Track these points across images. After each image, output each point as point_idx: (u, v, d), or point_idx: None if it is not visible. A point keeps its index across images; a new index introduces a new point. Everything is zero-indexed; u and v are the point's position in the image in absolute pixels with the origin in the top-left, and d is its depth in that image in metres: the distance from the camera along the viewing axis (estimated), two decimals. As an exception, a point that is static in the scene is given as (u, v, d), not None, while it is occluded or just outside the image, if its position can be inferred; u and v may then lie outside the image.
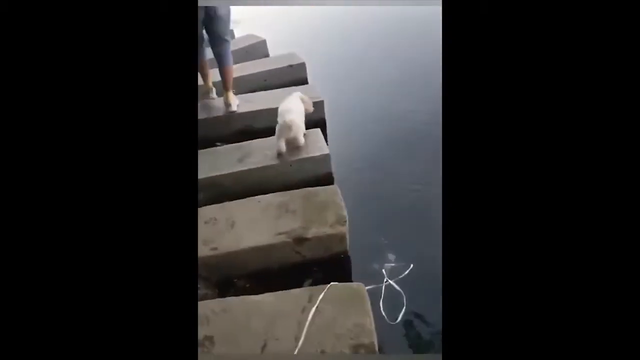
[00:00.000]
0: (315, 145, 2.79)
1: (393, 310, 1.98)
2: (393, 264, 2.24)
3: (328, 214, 2.18)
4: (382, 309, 1.98)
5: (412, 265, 2.19)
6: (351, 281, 2.24)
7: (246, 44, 4.78)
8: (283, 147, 2.76)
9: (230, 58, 3.32)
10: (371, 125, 3.62)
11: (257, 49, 4.78)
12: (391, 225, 2.54)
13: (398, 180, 2.89)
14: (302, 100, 3.00)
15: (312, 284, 2.12)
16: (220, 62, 3.30)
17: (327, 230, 2.12)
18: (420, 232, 2.47)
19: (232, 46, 4.25)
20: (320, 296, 1.76)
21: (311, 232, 2.10)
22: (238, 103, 3.43)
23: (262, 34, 5.00)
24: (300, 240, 2.09)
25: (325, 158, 2.73)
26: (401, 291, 2.07)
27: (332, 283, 1.85)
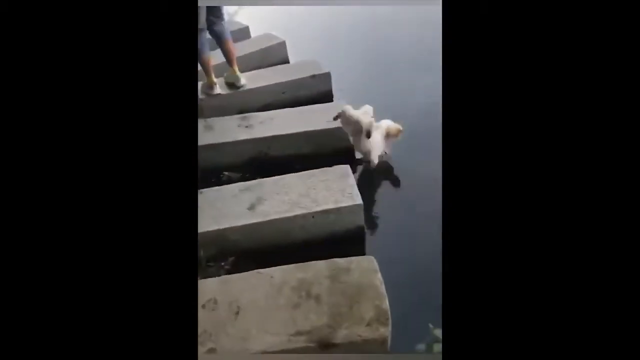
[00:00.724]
0: (344, 191, 2.23)
1: None
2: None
3: (364, 306, 1.63)
4: None
5: None
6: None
7: (264, 45, 4.21)
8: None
9: (228, 32, 3.28)
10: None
11: (276, 51, 4.21)
12: (432, 287, 1.98)
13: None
14: (388, 132, 2.79)
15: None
16: (219, 39, 3.26)
17: (363, 331, 1.57)
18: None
19: (249, 46, 4.20)
20: None
21: (341, 335, 1.56)
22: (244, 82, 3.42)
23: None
24: (326, 346, 1.56)
25: (356, 210, 2.17)
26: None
27: None
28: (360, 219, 2.21)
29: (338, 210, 2.16)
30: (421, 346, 1.80)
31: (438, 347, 1.80)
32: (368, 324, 1.59)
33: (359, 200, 2.17)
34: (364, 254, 1.93)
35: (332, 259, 1.84)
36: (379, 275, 1.76)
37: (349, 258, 1.84)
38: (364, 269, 1.79)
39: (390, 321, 1.61)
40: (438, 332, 1.85)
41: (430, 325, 1.85)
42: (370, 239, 2.29)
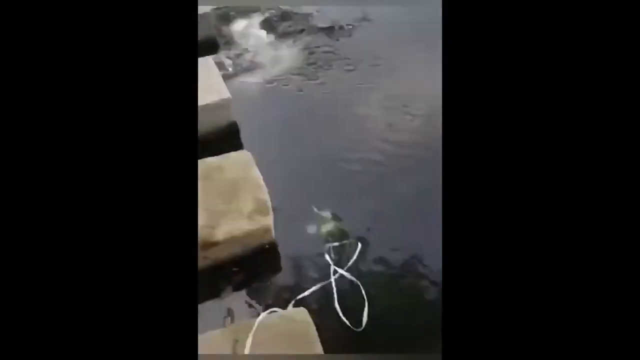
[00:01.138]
0: (209, 84, 2.03)
1: (354, 311, 1.51)
2: (336, 244, 1.74)
3: (242, 199, 1.56)
4: (340, 313, 1.50)
5: (360, 245, 1.71)
6: (280, 270, 1.78)
7: None
8: None
9: None
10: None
11: None
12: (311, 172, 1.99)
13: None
14: None
15: (233, 291, 1.60)
16: None
17: (243, 225, 1.52)
18: (358, 190, 1.96)
19: None
20: (249, 341, 1.23)
21: (221, 232, 1.49)
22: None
23: None
24: (207, 246, 1.48)
25: (225, 104, 2.00)
26: (358, 282, 1.59)
27: (261, 316, 1.31)
28: (229, 114, 2.05)
29: (205, 107, 1.97)
30: (312, 228, 1.83)
31: (328, 227, 1.85)
32: (248, 217, 1.53)
33: (226, 94, 1.99)
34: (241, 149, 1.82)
35: (202, 159, 1.70)
36: (256, 168, 1.67)
37: (220, 155, 1.72)
38: (239, 163, 1.69)
39: (271, 210, 1.57)
40: (325, 214, 1.89)
41: (315, 209, 1.88)
42: (247, 132, 2.15)
